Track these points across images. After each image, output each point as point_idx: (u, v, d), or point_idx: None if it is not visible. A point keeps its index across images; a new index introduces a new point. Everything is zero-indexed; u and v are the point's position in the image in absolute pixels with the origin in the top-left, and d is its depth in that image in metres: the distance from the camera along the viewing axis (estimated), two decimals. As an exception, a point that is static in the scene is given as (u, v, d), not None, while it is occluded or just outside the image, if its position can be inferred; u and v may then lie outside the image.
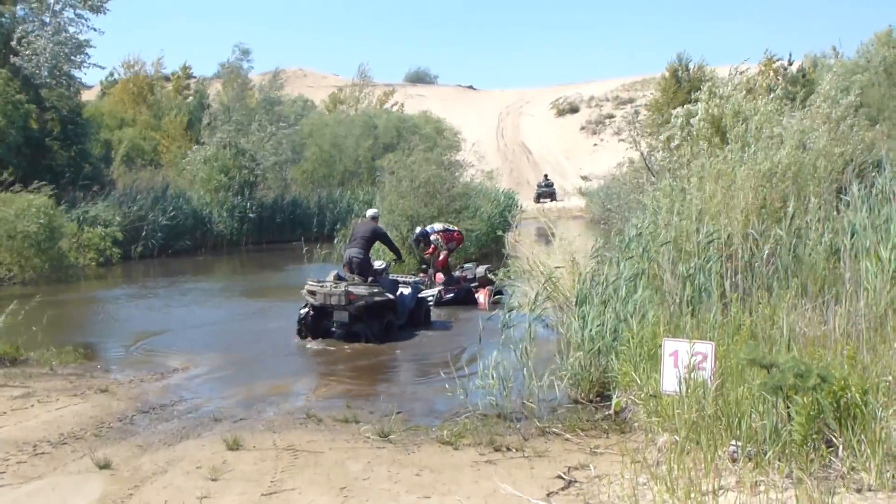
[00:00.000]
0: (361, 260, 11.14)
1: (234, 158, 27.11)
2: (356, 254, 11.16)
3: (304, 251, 18.58)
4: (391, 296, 11.00)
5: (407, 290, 11.67)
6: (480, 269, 14.43)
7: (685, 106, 12.23)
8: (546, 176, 45.22)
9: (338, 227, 22.73)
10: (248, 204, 26.75)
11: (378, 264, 11.72)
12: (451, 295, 13.58)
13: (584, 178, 48.17)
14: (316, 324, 10.74)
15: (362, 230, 11.43)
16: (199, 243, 25.29)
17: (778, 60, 21.74)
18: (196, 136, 30.43)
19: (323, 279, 11.12)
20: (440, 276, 13.91)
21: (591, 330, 7.01)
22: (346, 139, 36.39)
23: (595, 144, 58.35)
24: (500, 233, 19.53)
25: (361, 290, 10.62)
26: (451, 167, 20.86)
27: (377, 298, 10.64)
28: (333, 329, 10.81)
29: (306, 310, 10.76)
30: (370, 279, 11.02)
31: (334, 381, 8.66)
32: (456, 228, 14.43)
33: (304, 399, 7.70)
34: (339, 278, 11.08)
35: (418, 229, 14.35)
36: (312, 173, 35.64)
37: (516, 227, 24.62)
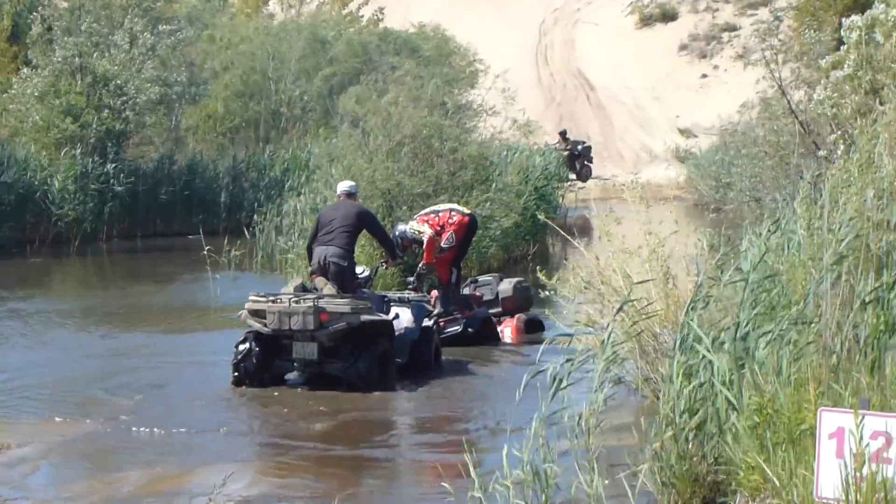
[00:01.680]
0: (345, 266, 11.38)
1: (89, 92, 27.12)
2: (336, 254, 11.37)
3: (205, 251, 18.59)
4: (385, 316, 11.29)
5: (406, 314, 11.88)
6: (506, 285, 14.46)
7: (867, 13, 12.17)
8: (563, 134, 43.86)
9: (264, 210, 22.66)
10: (114, 170, 26.77)
11: (360, 271, 11.92)
12: (456, 328, 13.47)
13: (685, 132, 48.22)
14: (263, 364, 10.98)
15: (340, 215, 11.61)
16: (30, 235, 25.33)
17: None
18: (25, 56, 30.48)
19: (275, 292, 11.31)
20: (435, 294, 13.86)
21: (694, 391, 7.00)
22: (282, 64, 36.45)
23: (704, 76, 58.39)
24: (541, 218, 19.52)
25: (340, 304, 10.78)
26: (458, 114, 20.89)
27: (365, 317, 10.82)
28: (293, 373, 11.12)
29: (247, 344, 10.98)
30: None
31: (257, 468, 8.67)
32: (447, 208, 14.01)
33: (207, 502, 7.69)
34: (303, 289, 11.31)
35: (400, 227, 14.25)
36: (223, 119, 35.71)
37: (566, 214, 24.58)
